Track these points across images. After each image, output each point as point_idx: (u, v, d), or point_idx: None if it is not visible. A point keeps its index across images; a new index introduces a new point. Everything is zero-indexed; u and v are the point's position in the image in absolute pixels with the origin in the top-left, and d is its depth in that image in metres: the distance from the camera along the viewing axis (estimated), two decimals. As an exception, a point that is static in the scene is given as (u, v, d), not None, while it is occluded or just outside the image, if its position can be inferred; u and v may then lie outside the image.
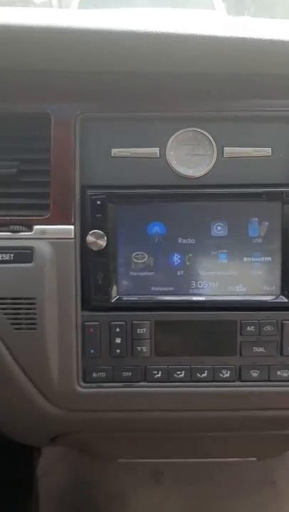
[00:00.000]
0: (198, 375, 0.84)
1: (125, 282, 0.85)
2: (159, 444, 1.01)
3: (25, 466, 1.36)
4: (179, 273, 0.85)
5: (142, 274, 0.85)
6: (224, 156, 0.84)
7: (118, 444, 1.02)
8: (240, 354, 0.84)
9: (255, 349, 0.84)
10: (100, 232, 0.82)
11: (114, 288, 0.84)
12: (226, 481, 1.36)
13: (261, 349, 0.84)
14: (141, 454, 1.11)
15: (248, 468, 1.35)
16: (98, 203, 0.82)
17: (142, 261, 0.85)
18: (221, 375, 0.84)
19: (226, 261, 0.85)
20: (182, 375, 0.84)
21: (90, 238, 0.82)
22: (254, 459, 1.12)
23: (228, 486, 1.35)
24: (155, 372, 0.84)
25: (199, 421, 0.88)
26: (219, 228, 0.84)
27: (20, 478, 1.35)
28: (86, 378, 0.84)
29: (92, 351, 0.83)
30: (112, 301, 0.84)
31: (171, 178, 0.84)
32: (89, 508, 1.36)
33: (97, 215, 0.83)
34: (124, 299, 0.84)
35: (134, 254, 0.84)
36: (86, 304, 0.83)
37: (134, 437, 0.95)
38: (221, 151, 0.84)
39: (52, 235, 0.81)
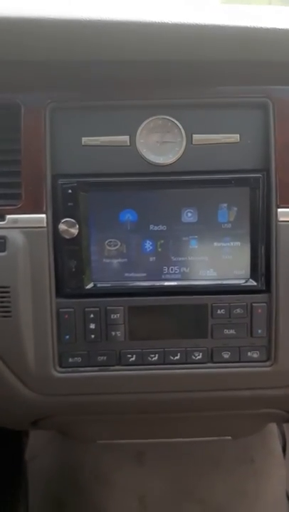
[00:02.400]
0: (172, 357, 0.86)
1: (99, 269, 0.86)
2: (138, 426, 1.04)
3: (13, 450, 1.39)
4: (151, 259, 0.86)
5: (115, 260, 0.86)
6: (193, 143, 0.85)
7: (97, 426, 1.05)
8: (212, 336, 0.86)
9: (226, 331, 0.86)
10: (72, 220, 0.83)
11: (88, 275, 0.86)
12: (205, 460, 1.39)
13: (232, 331, 0.86)
14: (119, 436, 1.14)
15: (226, 447, 1.38)
16: (69, 191, 0.84)
17: (115, 248, 0.86)
18: (193, 357, 0.86)
19: (196, 246, 0.86)
20: (156, 358, 0.86)
21: (61, 226, 0.83)
22: (229, 437, 1.15)
23: (208, 464, 1.38)
24: (129, 356, 0.86)
25: (174, 402, 0.91)
26: (189, 214, 0.86)
27: (10, 462, 1.37)
28: (62, 363, 0.86)
29: (67, 337, 0.85)
30: (86, 287, 0.85)
31: (142, 165, 0.85)
32: (75, 489, 1.39)
33: (69, 204, 0.84)
34: (98, 285, 0.86)
35: (106, 242, 0.86)
36: (60, 291, 0.85)
37: (112, 419, 0.98)
38: (190, 138, 0.85)
39: (24, 223, 0.82)
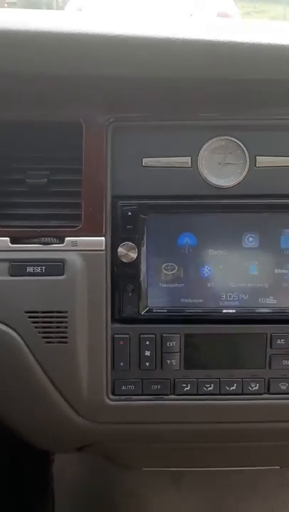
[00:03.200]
0: (227, 388, 0.83)
1: (155, 294, 0.83)
2: (183, 453, 1.01)
3: (41, 461, 1.36)
4: (209, 285, 0.83)
5: (171, 285, 0.83)
6: (257, 165, 0.82)
7: (143, 454, 1.02)
8: (270, 367, 0.83)
9: (285, 362, 0.83)
10: (131, 243, 0.81)
11: (144, 300, 0.83)
12: (245, 485, 1.36)
13: None
14: (164, 463, 1.11)
15: (267, 473, 1.35)
16: (129, 213, 0.81)
17: (172, 272, 0.83)
18: (249, 388, 0.83)
19: (256, 273, 0.83)
20: (211, 388, 0.83)
21: (121, 250, 0.80)
22: (277, 467, 1.12)
23: (247, 489, 1.35)
24: (184, 385, 0.83)
25: (226, 432, 0.88)
26: (251, 239, 0.83)
27: (36, 474, 1.34)
28: (115, 391, 0.82)
29: (121, 364, 0.82)
30: (142, 313, 0.83)
31: (203, 188, 0.82)
32: (106, 508, 1.36)
33: (128, 226, 0.81)
34: (154, 311, 0.83)
35: (164, 266, 0.83)
36: (116, 317, 0.82)
37: (159, 447, 0.95)
38: (253, 161, 0.82)
39: (83, 246, 0.79)
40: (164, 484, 1.36)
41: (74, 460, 1.42)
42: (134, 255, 0.81)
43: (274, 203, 0.82)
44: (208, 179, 0.82)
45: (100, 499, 1.38)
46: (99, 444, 0.93)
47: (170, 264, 0.83)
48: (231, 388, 0.83)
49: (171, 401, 0.83)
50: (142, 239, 0.82)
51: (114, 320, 0.82)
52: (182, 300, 0.84)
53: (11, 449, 1.12)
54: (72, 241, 0.79)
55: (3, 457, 1.17)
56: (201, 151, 0.82)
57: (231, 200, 0.82)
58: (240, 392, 0.83)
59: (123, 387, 0.83)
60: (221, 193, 0.83)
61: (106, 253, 0.80)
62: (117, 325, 0.82)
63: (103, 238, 0.80)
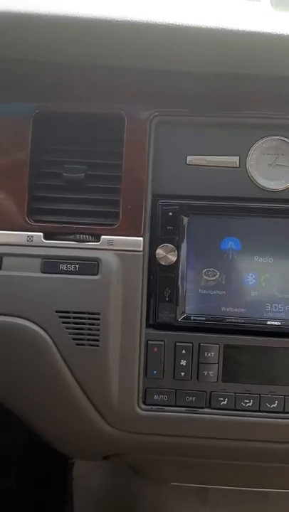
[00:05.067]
0: (268, 405, 0.78)
1: (194, 300, 0.79)
2: (214, 469, 0.95)
3: (60, 466, 1.32)
4: (253, 294, 0.78)
5: (212, 292, 0.79)
6: None
7: (171, 468, 0.96)
8: None
9: None
10: (171, 245, 0.76)
11: (182, 306, 0.78)
12: (276, 504, 1.28)
13: None
14: (192, 479, 1.05)
15: None
16: (170, 214, 0.77)
17: (213, 278, 0.78)
18: None
19: None
20: (250, 403, 0.78)
21: (159, 252, 0.76)
22: None
23: (279, 508, 1.26)
24: (221, 399, 0.78)
25: (264, 451, 0.82)
26: (300, 247, 0.77)
27: (56, 477, 1.31)
28: (147, 400, 0.79)
29: (154, 372, 0.78)
30: (179, 319, 0.78)
31: (251, 190, 0.77)
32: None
33: (168, 227, 0.77)
34: (192, 318, 0.79)
35: (204, 271, 0.78)
36: (151, 322, 0.78)
37: (189, 462, 0.89)
38: None
39: (120, 246, 0.76)
40: (188, 498, 1.29)
41: (94, 464, 1.37)
42: (173, 258, 0.76)
43: None
44: (257, 181, 0.77)
45: (121, 508, 1.33)
46: (126, 455, 0.88)
47: (211, 269, 0.78)
48: (272, 406, 0.78)
49: (205, 415, 0.78)
50: (183, 241, 0.77)
51: (148, 325, 0.78)
52: (223, 308, 0.79)
53: (31, 452, 1.09)
54: (108, 240, 0.76)
55: (22, 459, 1.14)
56: (251, 151, 0.77)
57: (281, 204, 0.77)
58: (282, 410, 0.78)
59: (155, 397, 0.78)
60: (271, 196, 0.77)
61: (143, 254, 0.76)
62: (152, 331, 0.78)
63: (141, 238, 0.76)
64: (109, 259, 0.75)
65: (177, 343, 0.78)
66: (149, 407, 0.79)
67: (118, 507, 1.35)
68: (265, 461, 0.87)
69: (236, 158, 0.77)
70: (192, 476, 1.02)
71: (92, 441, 0.84)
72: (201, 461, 0.89)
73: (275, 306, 0.78)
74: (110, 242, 0.76)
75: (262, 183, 0.77)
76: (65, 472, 1.33)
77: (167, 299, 0.78)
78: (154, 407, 0.78)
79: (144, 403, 0.79)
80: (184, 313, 0.78)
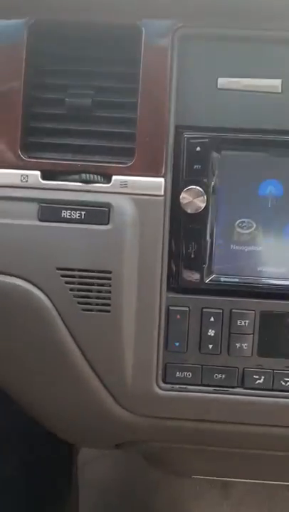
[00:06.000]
0: None
1: (225, 258, 0.66)
2: (243, 460, 0.83)
3: (65, 453, 1.22)
4: None
5: (246, 248, 0.65)
6: None
7: (192, 458, 0.84)
8: None
9: None
10: (199, 189, 0.63)
11: (210, 265, 0.65)
12: None
13: None
14: (216, 471, 0.93)
15: None
16: (198, 149, 0.63)
17: (249, 231, 0.65)
18: None
19: None
20: None
21: (185, 196, 0.63)
22: None
23: None
24: (257, 377, 0.66)
25: None
26: None
27: (61, 464, 1.20)
28: (167, 378, 0.67)
29: (177, 344, 0.66)
30: (207, 281, 0.65)
31: None
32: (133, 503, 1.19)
33: (195, 166, 0.63)
34: (223, 279, 0.66)
35: (238, 222, 0.65)
36: (173, 284, 0.65)
37: (216, 452, 0.77)
38: None
39: (135, 189, 0.63)
40: (210, 491, 1.17)
41: (99, 452, 1.26)
42: (201, 204, 0.63)
43: None
44: None
45: (131, 500, 1.21)
46: (142, 442, 0.76)
47: (246, 220, 0.65)
48: None
49: (238, 395, 0.67)
50: (212, 184, 0.63)
51: (170, 288, 0.66)
52: (259, 268, 0.66)
53: (32, 437, 0.96)
54: (121, 181, 0.62)
55: (25, 445, 1.02)
56: None
57: None
58: None
59: (178, 374, 0.67)
60: None
61: (165, 199, 0.63)
62: (174, 294, 0.66)
63: (162, 179, 0.63)
64: (123, 205, 0.62)
65: (204, 310, 0.65)
66: (169, 386, 0.67)
67: (127, 499, 1.24)
68: None
69: (278, 82, 0.63)
70: (216, 469, 0.90)
71: (102, 427, 0.72)
72: (229, 451, 0.76)
73: None
74: (124, 184, 0.62)
75: None
76: (69, 459, 1.21)
77: (193, 256, 0.65)
78: (176, 386, 0.67)
79: (164, 381, 0.67)
80: (212, 273, 0.66)
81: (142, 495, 1.21)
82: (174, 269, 0.65)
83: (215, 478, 1.03)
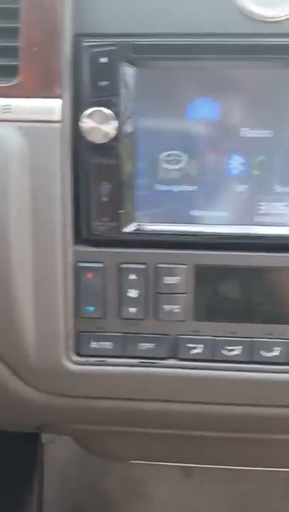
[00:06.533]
0: (265, 353, 0.57)
1: (147, 201, 0.55)
2: (182, 444, 0.75)
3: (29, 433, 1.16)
4: (239, 188, 0.54)
5: (175, 188, 0.55)
6: None
7: (126, 441, 0.76)
8: None
9: None
10: (107, 111, 0.50)
11: (130, 210, 0.55)
12: (277, 479, 1.08)
13: None
14: (157, 455, 0.85)
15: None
16: (104, 60, 0.50)
17: (177, 166, 0.54)
18: None
19: None
20: (237, 351, 0.57)
21: (87, 122, 0.51)
22: None
23: (281, 485, 1.07)
24: (192, 345, 0.57)
25: (261, 420, 0.62)
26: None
27: (25, 444, 1.15)
28: (81, 349, 0.58)
29: (90, 309, 0.57)
30: (125, 230, 0.55)
31: (234, 21, 0.51)
32: (99, 498, 1.14)
33: (101, 83, 0.51)
34: (146, 228, 0.56)
35: (164, 155, 0.54)
36: (81, 235, 0.56)
37: (150, 434, 0.69)
38: None
39: (22, 114, 0.51)
40: (168, 472, 1.11)
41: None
42: (109, 130, 0.50)
43: None
44: (247, 7, 0.51)
45: (91, 488, 1.16)
46: (61, 425, 0.67)
47: (174, 152, 0.54)
48: (270, 354, 0.57)
49: (169, 368, 0.58)
50: (126, 104, 0.51)
51: (79, 240, 0.55)
52: (192, 212, 0.55)
53: None
54: (4, 106, 0.50)
55: None
56: None
57: (282, 39, 0.50)
58: (285, 360, 0.57)
59: (93, 345, 0.58)
60: (266, 30, 0.51)
61: (63, 127, 0.51)
62: (84, 248, 0.56)
63: (59, 100, 0.51)
64: (7, 137, 0.51)
65: (123, 265, 0.56)
66: (84, 359, 0.58)
67: (85, 481, 1.18)
68: (256, 431, 0.67)
69: None
70: (156, 453, 0.82)
71: (15, 408, 0.64)
72: (165, 432, 0.68)
73: (274, 206, 0.55)
74: (6, 109, 0.51)
75: (253, 10, 0.50)
76: (34, 439, 1.16)
77: (106, 199, 0.54)
78: (92, 359, 0.58)
79: (78, 354, 0.58)
80: (132, 220, 0.55)
81: (97, 478, 1.16)
82: (84, 217, 0.54)
83: (154, 462, 0.96)
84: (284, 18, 0.51)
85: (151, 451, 0.80)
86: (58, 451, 1.16)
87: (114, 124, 0.51)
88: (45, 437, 1.13)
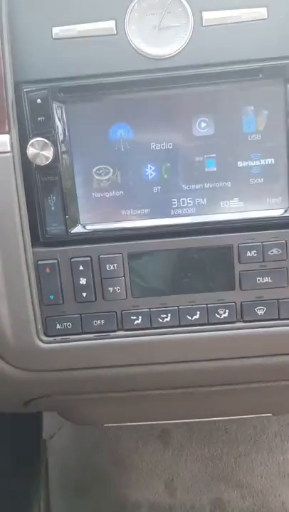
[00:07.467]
0: (189, 317, 0.67)
1: (87, 207, 0.67)
2: (154, 404, 0.85)
3: (31, 428, 1.24)
4: (155, 189, 0.66)
5: (107, 194, 0.66)
6: (204, 24, 0.62)
7: (103, 407, 0.86)
8: (241, 288, 0.66)
9: (260, 280, 0.66)
10: (44, 140, 0.62)
11: (73, 215, 0.66)
12: (242, 439, 1.20)
13: (267, 279, 0.65)
14: (133, 417, 0.95)
15: (266, 424, 1.19)
16: (38, 101, 0.63)
17: (106, 177, 0.66)
18: (217, 315, 0.67)
19: (214, 168, 0.65)
20: (168, 318, 0.68)
21: (30, 150, 0.62)
22: (270, 414, 0.95)
23: (245, 443, 1.19)
24: (134, 317, 0.68)
25: (195, 374, 0.72)
26: (204, 125, 0.64)
27: (27, 441, 1.23)
28: (48, 331, 0.68)
29: (52, 297, 0.67)
30: (72, 231, 0.66)
31: (134, 60, 0.63)
32: (94, 474, 1.23)
33: (39, 119, 0.63)
34: (88, 227, 0.67)
35: (95, 169, 0.66)
36: (40, 239, 0.66)
37: (121, 398, 0.79)
38: (199, 19, 0.62)
39: None
40: (150, 443, 1.21)
41: (61, 424, 1.29)
42: (48, 155, 0.62)
43: (230, 70, 0.62)
44: (141, 49, 0.63)
45: (87, 465, 1.25)
46: (44, 398, 0.77)
47: (103, 166, 0.66)
48: (194, 318, 0.68)
49: (119, 338, 0.68)
50: (59, 134, 0.64)
51: (37, 243, 0.66)
52: (123, 212, 0.67)
53: None
54: None
55: None
56: (129, 11, 0.62)
57: (173, 72, 0.63)
58: (206, 321, 0.68)
59: (58, 326, 0.68)
60: (160, 65, 0.63)
61: (13, 155, 0.63)
62: (41, 249, 0.66)
63: (7, 136, 0.62)
64: None
65: (73, 260, 0.66)
66: (51, 338, 0.68)
67: (83, 463, 1.27)
68: (201, 385, 0.76)
69: (112, 23, 0.62)
70: (132, 414, 0.92)
71: (1, 387, 0.72)
72: (132, 394, 0.78)
73: (183, 201, 0.66)
74: None
75: (147, 51, 0.63)
76: (36, 435, 1.24)
77: (53, 208, 0.65)
78: (58, 338, 0.68)
79: (46, 335, 0.67)
80: (76, 222, 0.66)
81: (92, 456, 1.25)
82: (39, 224, 0.65)
83: (135, 424, 1.06)
84: (173, 54, 0.62)
85: (122, 414, 0.89)
86: (57, 442, 1.24)
87: (53, 149, 0.62)
88: (45, 434, 1.22)
